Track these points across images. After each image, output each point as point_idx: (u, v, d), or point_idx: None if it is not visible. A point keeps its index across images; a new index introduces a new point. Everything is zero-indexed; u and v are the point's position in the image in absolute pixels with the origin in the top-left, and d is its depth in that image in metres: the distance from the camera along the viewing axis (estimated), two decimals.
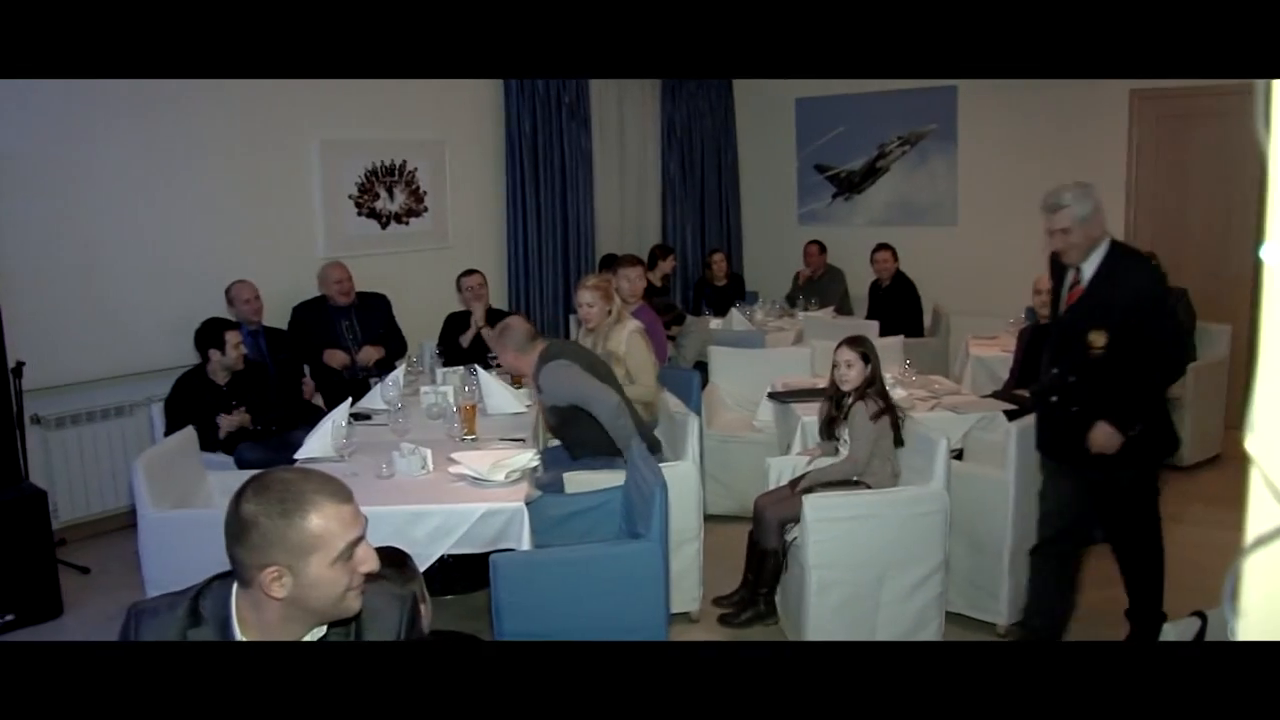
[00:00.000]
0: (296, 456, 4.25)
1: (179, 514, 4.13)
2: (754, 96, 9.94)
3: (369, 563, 1.83)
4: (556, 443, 5.00)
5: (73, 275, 5.71)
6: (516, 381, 5.38)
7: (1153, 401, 3.82)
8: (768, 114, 9.91)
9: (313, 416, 5.03)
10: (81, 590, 5.13)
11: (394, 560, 2.27)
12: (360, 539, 1.83)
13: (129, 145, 5.92)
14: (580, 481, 4.40)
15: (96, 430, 5.85)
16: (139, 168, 5.97)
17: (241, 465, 4.98)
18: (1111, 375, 3.69)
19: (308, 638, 1.86)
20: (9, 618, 4.71)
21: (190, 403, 5.20)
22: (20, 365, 5.12)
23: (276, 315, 6.31)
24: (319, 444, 4.30)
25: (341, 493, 1.83)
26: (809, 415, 4.88)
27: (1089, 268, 3.76)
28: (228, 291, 6.05)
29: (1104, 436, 3.69)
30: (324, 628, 1.88)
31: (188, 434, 4.70)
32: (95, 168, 5.79)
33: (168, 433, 4.97)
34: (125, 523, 4.98)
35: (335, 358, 6.32)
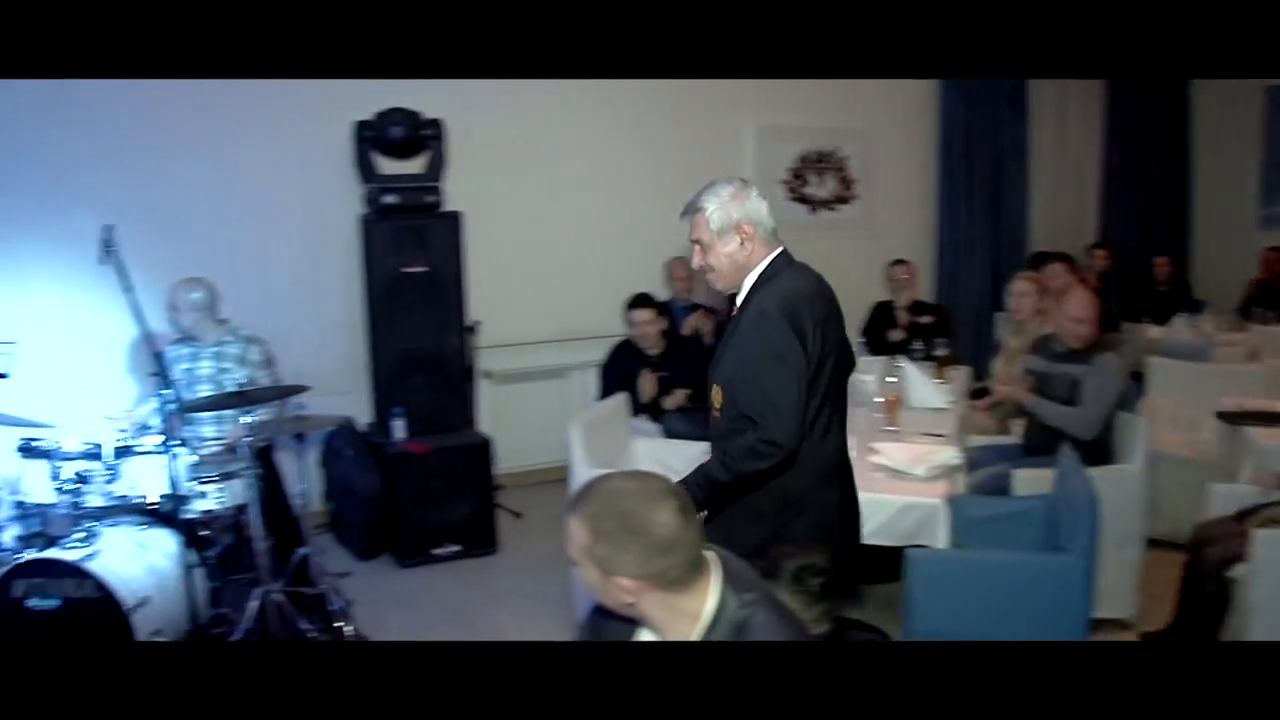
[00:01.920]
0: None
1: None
2: (1213, 88, 8.88)
3: None
4: (980, 441, 4.78)
5: (526, 248, 6.25)
6: (940, 375, 5.18)
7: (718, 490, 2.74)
8: (1228, 107, 8.81)
9: None
10: (514, 532, 5.59)
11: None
12: None
13: (584, 134, 6.42)
14: (1031, 481, 4.17)
15: (538, 388, 6.34)
16: (588, 154, 6.46)
17: (670, 436, 5.16)
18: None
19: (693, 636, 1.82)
20: (456, 548, 5.23)
21: (622, 370, 5.48)
22: (476, 324, 5.66)
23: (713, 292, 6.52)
24: None
25: None
26: (1267, 440, 4.36)
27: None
28: (666, 267, 6.35)
29: None
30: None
31: (619, 400, 4.95)
32: (553, 155, 6.35)
33: (601, 397, 5.27)
34: (556, 476, 5.34)
35: None
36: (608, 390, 5.29)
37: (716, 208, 2.76)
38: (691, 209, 2.80)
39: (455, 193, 5.55)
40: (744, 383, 2.66)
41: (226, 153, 5.45)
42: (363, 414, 5.57)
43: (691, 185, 2.84)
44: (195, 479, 4.16)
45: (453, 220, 5.41)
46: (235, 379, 4.52)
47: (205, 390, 4.50)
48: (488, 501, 5.40)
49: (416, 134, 5.40)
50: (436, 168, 5.46)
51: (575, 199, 6.46)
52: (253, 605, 4.13)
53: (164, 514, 4.18)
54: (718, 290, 2.93)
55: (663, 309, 5.62)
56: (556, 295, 6.42)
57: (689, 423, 5.20)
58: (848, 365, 2.91)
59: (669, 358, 5.52)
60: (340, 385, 5.47)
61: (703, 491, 2.66)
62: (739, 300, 2.83)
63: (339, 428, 5.31)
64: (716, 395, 2.80)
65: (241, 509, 4.32)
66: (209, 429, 4.53)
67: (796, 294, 2.71)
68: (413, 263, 5.29)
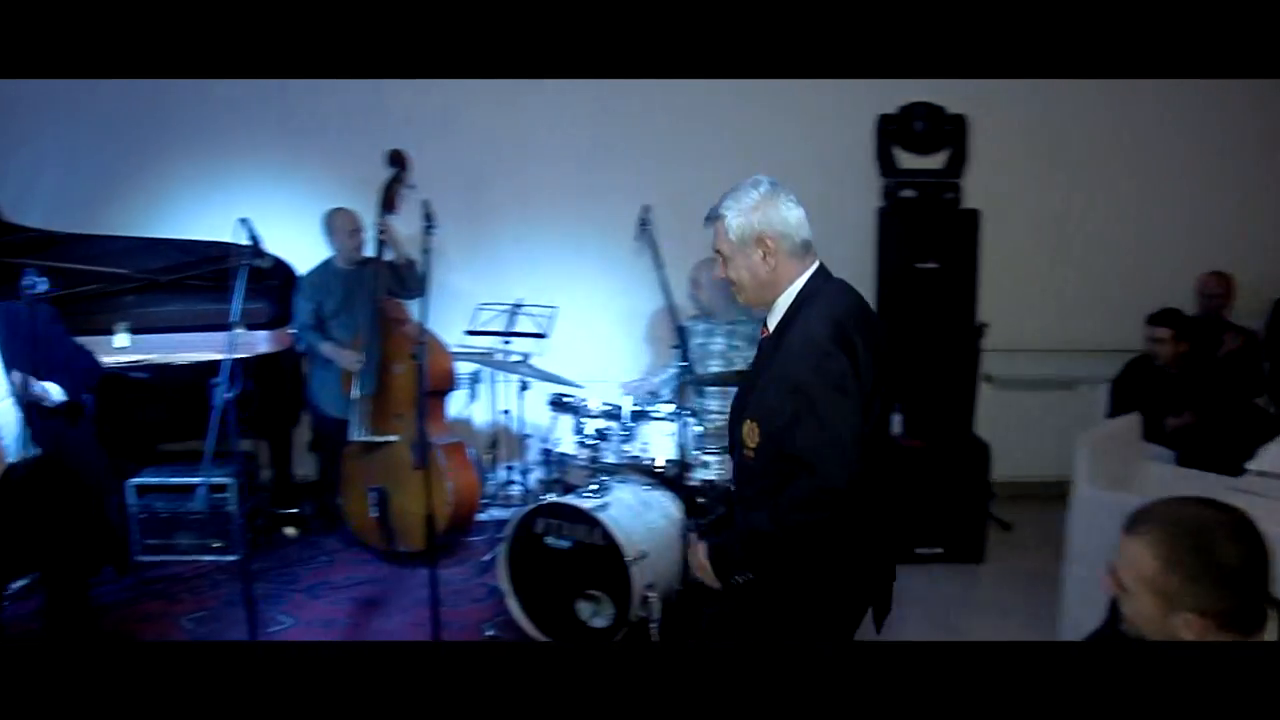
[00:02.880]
0: (1248, 466, 3.90)
1: (1113, 496, 4.06)
2: None
3: None
4: None
5: (1044, 250, 6.00)
6: None
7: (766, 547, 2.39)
8: None
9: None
10: (1000, 544, 5.39)
11: None
12: None
13: (1121, 133, 6.01)
14: None
15: (1042, 398, 6.07)
16: (1124, 156, 5.97)
17: (1183, 464, 4.71)
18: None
19: None
20: (938, 550, 5.14)
21: (1136, 388, 5.07)
22: (984, 326, 5.49)
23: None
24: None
25: None
26: None
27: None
28: (1199, 282, 5.77)
29: (697, 561, 2.56)
30: None
31: (1132, 420, 4.58)
32: (1083, 154, 6.04)
33: (1112, 414, 4.92)
34: (1052, 492, 5.09)
35: None
36: (1119, 408, 4.92)
37: (736, 215, 2.45)
38: (712, 215, 2.50)
39: (974, 190, 5.42)
40: (795, 418, 2.30)
41: (753, 140, 5.78)
42: None
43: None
44: (700, 449, 4.46)
45: (970, 218, 5.29)
46: (745, 357, 4.76)
47: (716, 366, 4.79)
48: (979, 508, 5.25)
49: (939, 129, 5.35)
50: (957, 164, 5.37)
51: (1104, 202, 6.05)
52: (738, 577, 4.35)
53: (668, 478, 4.53)
54: (745, 306, 2.63)
55: (1185, 328, 5.09)
56: (1072, 302, 6.09)
57: (1202, 451, 4.71)
58: (890, 400, 2.51)
59: (1187, 379, 5.02)
60: None
61: (745, 549, 2.42)
62: (772, 322, 2.52)
63: None
64: (750, 433, 2.47)
65: None
66: (715, 403, 4.83)
67: (847, 314, 2.38)
68: (925, 259, 5.26)
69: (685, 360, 4.26)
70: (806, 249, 2.48)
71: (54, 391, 3.79)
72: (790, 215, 2.44)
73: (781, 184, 2.47)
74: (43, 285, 3.86)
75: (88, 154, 5.99)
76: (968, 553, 5.18)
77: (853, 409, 2.27)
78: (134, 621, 4.63)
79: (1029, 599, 4.64)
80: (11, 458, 3.72)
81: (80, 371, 3.93)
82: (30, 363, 3.73)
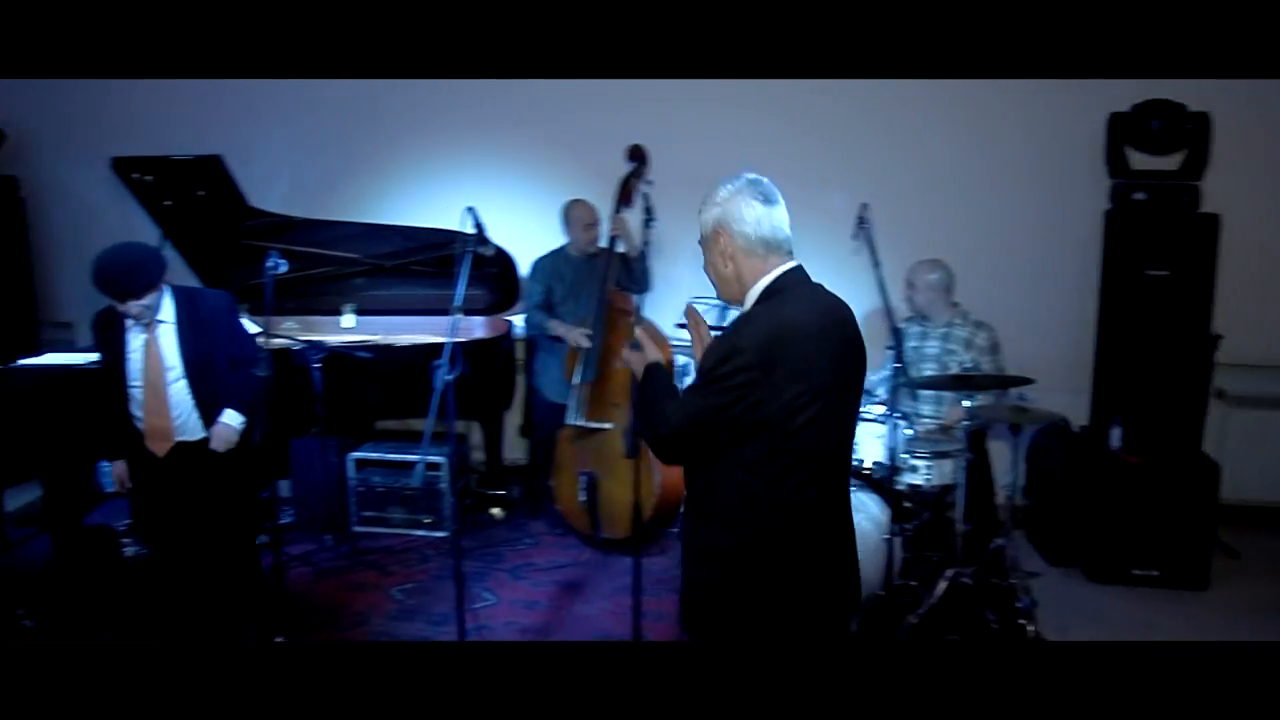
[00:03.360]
0: None
1: None
2: None
3: None
4: None
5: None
6: None
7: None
8: None
9: None
10: (1227, 570, 5.07)
11: None
12: None
13: None
14: None
15: (1277, 418, 5.64)
16: None
17: None
18: None
19: None
20: (1154, 573, 4.88)
21: None
22: (1218, 339, 5.15)
23: None
24: None
25: None
26: None
27: None
28: None
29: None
30: None
31: None
32: None
33: None
34: None
35: None
36: None
37: (704, 210, 2.40)
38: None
39: (1215, 193, 5.10)
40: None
41: (975, 138, 5.61)
42: (1079, 415, 5.38)
43: None
44: (909, 453, 4.37)
45: (1209, 223, 4.97)
46: (960, 361, 4.64)
47: (929, 369, 4.69)
48: (1204, 532, 4.93)
49: (1179, 128, 5.05)
50: (1196, 165, 5.06)
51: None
52: (941, 585, 4.25)
53: (874, 480, 4.46)
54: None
55: None
56: None
57: None
58: (854, 415, 2.46)
59: None
60: (1061, 382, 5.33)
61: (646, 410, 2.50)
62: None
63: (1052, 425, 5.19)
64: None
65: (947, 489, 4.46)
66: (928, 407, 4.72)
67: (793, 326, 2.27)
68: (1156, 265, 4.98)
69: (899, 362, 4.18)
70: (770, 248, 2.37)
71: (234, 421, 4.00)
72: (750, 213, 2.35)
73: (762, 182, 2.39)
74: (283, 266, 4.09)
75: (320, 145, 6.35)
76: (1189, 578, 4.88)
77: (714, 405, 2.26)
78: (347, 590, 4.89)
79: (1255, 631, 4.36)
80: (183, 436, 3.97)
81: (246, 360, 4.07)
82: (206, 346, 3.93)
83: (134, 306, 3.75)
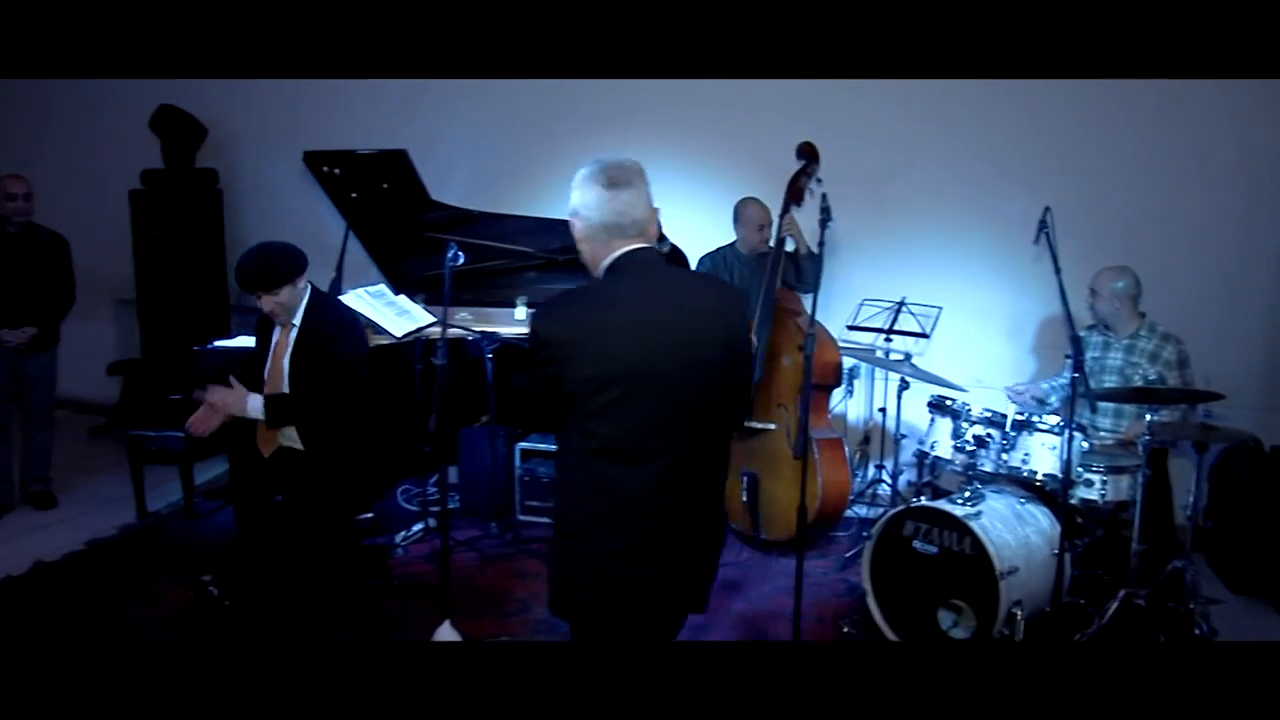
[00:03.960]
0: None
1: None
2: None
3: None
4: None
5: None
6: None
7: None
8: None
9: None
10: None
11: None
12: None
13: None
14: None
15: None
16: None
17: None
18: None
19: None
20: None
21: None
22: None
23: None
24: None
25: None
26: None
27: None
28: None
29: None
30: None
31: None
32: None
33: None
34: None
35: None
36: None
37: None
38: None
39: None
40: None
41: (1169, 137, 5.37)
42: (1272, 435, 5.08)
43: None
44: (1084, 466, 4.21)
45: None
46: (1144, 374, 4.45)
47: (1111, 381, 4.50)
48: None
49: None
50: None
51: None
52: (1113, 605, 4.08)
53: (1046, 492, 4.31)
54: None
55: None
56: None
57: None
58: (674, 397, 2.32)
59: None
60: (1254, 400, 5.07)
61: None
62: None
63: (1242, 444, 4.91)
64: None
65: (1123, 506, 4.27)
66: (1107, 420, 4.54)
67: (589, 308, 2.31)
68: None
69: (1079, 371, 4.03)
70: (613, 232, 2.36)
71: (254, 403, 3.94)
72: (592, 196, 2.36)
73: (612, 165, 2.37)
74: (462, 258, 4.20)
75: (494, 141, 6.55)
76: None
77: (523, 383, 2.35)
78: (510, 577, 4.99)
79: None
80: (287, 442, 4.07)
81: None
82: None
83: (266, 301, 3.84)
